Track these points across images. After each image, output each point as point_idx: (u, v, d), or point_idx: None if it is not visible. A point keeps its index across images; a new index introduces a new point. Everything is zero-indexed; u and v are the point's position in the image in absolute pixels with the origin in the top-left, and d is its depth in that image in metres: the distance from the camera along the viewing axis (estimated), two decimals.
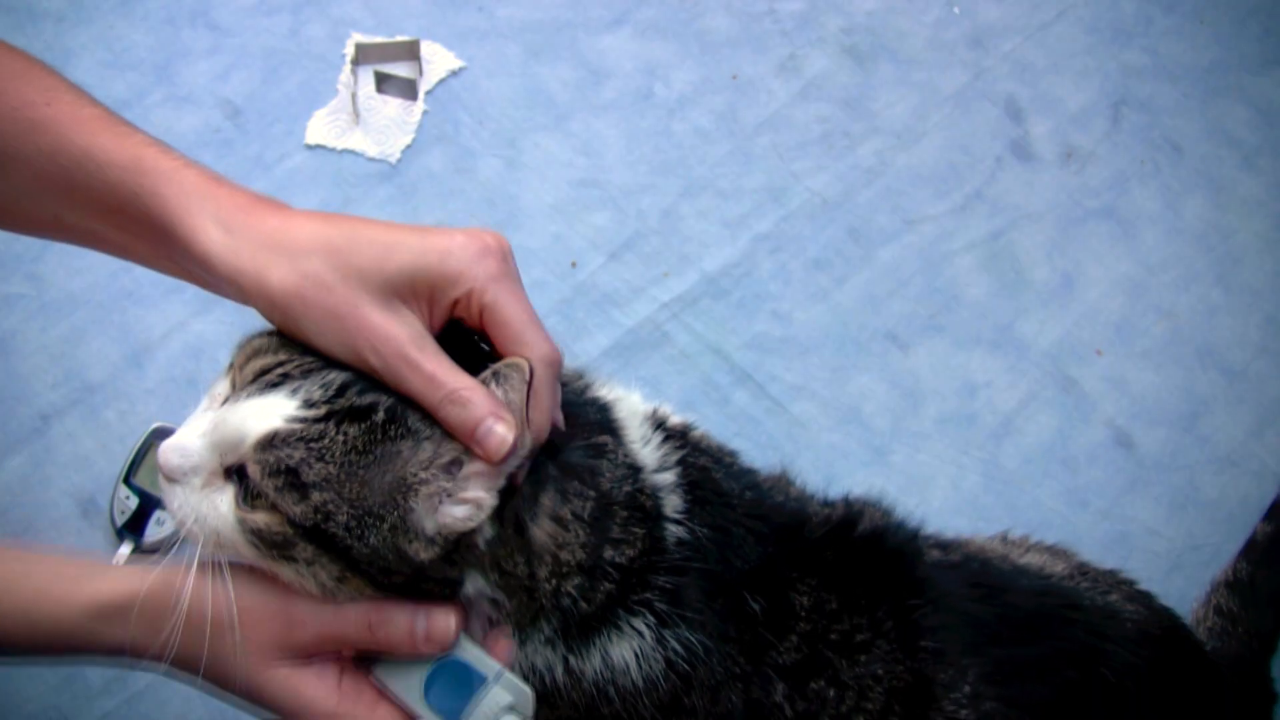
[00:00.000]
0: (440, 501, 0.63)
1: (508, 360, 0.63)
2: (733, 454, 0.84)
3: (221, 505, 0.63)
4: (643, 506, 0.73)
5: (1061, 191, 1.58)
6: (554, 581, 0.69)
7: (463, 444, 0.62)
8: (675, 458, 0.76)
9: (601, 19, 1.68)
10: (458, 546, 0.65)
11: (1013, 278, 1.51)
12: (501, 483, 0.64)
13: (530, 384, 0.62)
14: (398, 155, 1.55)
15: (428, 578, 0.65)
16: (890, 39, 1.69)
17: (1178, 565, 1.32)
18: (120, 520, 1.26)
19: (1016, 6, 1.73)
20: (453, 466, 0.63)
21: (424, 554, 0.62)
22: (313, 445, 0.61)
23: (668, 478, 0.75)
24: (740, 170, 1.57)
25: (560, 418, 0.69)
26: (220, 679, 0.62)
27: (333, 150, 1.55)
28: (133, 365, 1.38)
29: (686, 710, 0.75)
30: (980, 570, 0.86)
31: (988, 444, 1.40)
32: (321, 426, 0.61)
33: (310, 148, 1.55)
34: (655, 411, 0.81)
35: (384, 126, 1.57)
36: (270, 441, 0.61)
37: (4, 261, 1.43)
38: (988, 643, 0.80)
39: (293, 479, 0.61)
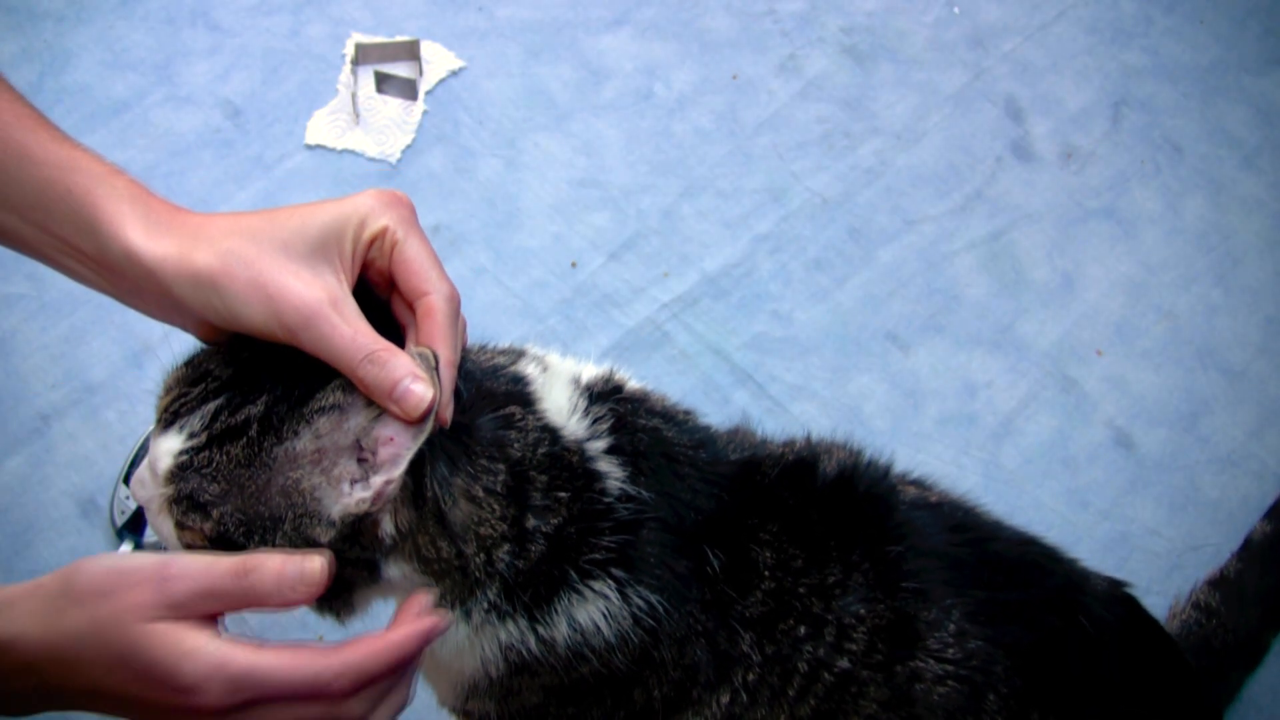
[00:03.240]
0: (342, 484, 0.66)
1: (413, 348, 0.66)
2: (688, 413, 0.85)
3: (165, 527, 0.69)
4: (569, 467, 0.74)
5: (1061, 191, 1.58)
6: (483, 555, 0.72)
7: (380, 404, 0.64)
8: (609, 423, 0.77)
9: (601, 19, 1.68)
10: (360, 531, 0.67)
11: (1013, 278, 1.51)
12: (407, 460, 0.65)
13: (437, 365, 0.64)
14: (398, 155, 1.55)
15: (343, 560, 0.68)
16: (890, 39, 1.69)
17: (1178, 565, 1.32)
18: (120, 520, 1.26)
19: (1016, 6, 1.73)
20: (344, 453, 0.65)
21: (323, 537, 0.65)
22: (203, 471, 0.65)
23: (599, 444, 0.76)
24: (740, 170, 1.57)
25: (457, 353, 0.70)
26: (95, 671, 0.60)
27: (333, 150, 1.55)
28: (133, 365, 1.38)
29: (656, 663, 0.77)
30: (963, 517, 0.86)
31: (988, 444, 1.40)
32: (206, 453, 0.65)
33: (310, 148, 1.55)
34: (611, 377, 0.82)
35: (384, 126, 1.57)
36: (171, 476, 0.66)
37: (4, 261, 1.43)
38: (970, 584, 0.80)
39: (193, 502, 0.65)
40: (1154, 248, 1.54)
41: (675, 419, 0.83)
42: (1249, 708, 1.22)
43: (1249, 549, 1.27)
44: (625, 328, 1.45)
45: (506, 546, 0.71)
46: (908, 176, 1.58)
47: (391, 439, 0.64)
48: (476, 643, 0.75)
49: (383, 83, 1.59)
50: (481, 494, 0.70)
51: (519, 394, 0.75)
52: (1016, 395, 1.43)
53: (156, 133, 1.54)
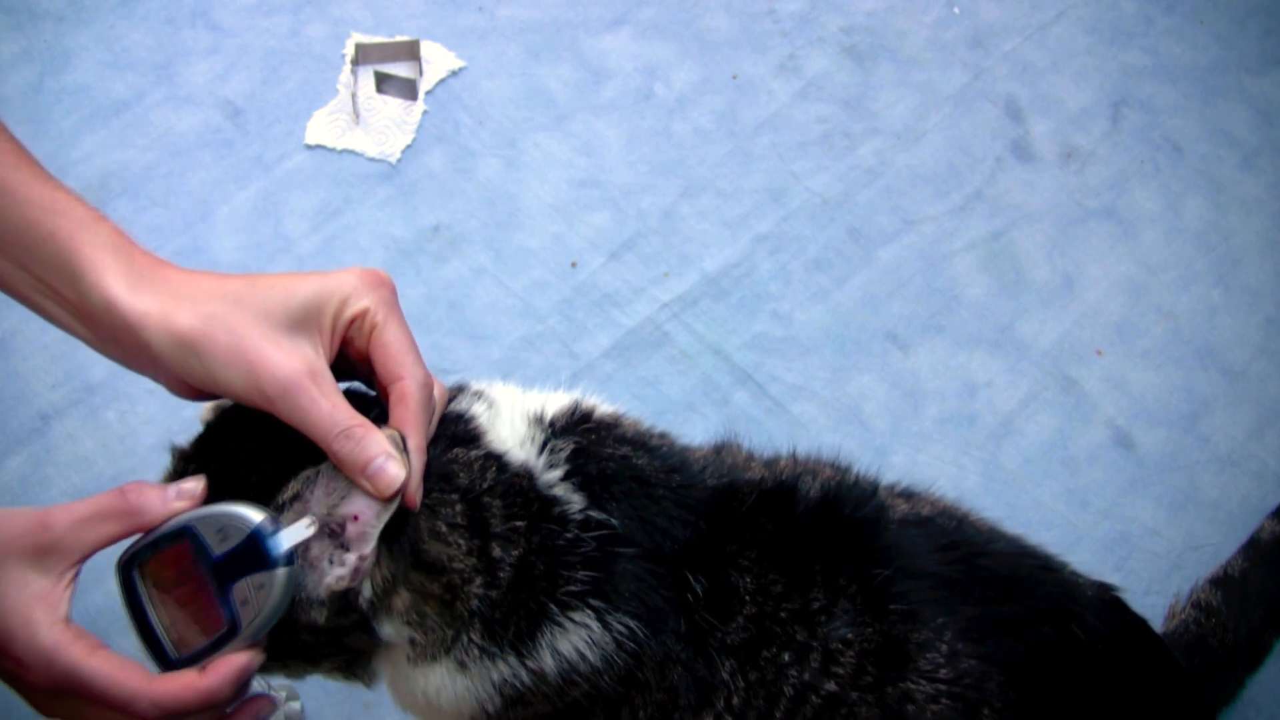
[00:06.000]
0: (321, 563, 0.67)
1: (385, 430, 0.66)
2: (663, 436, 0.85)
3: None
4: (521, 492, 0.74)
5: (1061, 191, 1.58)
6: (458, 594, 0.72)
7: (352, 480, 0.65)
8: (567, 453, 0.77)
9: (601, 19, 1.68)
10: (347, 602, 0.68)
11: (1013, 278, 1.51)
12: (376, 535, 0.66)
13: (406, 448, 0.66)
14: (398, 155, 1.55)
15: (344, 631, 0.70)
16: (890, 39, 1.69)
17: (1178, 565, 1.32)
18: None
19: (1016, 6, 1.73)
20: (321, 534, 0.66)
21: (320, 617, 0.66)
22: None
23: (555, 473, 0.76)
24: (740, 170, 1.57)
25: (427, 439, 0.71)
26: None
27: (333, 150, 1.55)
28: None
29: (640, 684, 0.77)
30: (955, 530, 0.85)
31: (988, 444, 1.40)
32: None
33: (310, 148, 1.55)
34: (577, 406, 0.81)
35: (384, 126, 1.57)
36: None
37: None
38: (962, 601, 0.79)
39: None
40: (1154, 248, 1.54)
41: (648, 444, 0.82)
42: (1249, 708, 1.22)
43: (1256, 548, 1.26)
44: (625, 328, 1.45)
45: (479, 580, 0.72)
46: (908, 176, 1.58)
47: (357, 516, 0.65)
48: (473, 689, 0.76)
49: (383, 83, 1.59)
50: (445, 529, 0.71)
51: (461, 433, 0.75)
52: (1016, 395, 1.43)
53: (156, 133, 1.54)
